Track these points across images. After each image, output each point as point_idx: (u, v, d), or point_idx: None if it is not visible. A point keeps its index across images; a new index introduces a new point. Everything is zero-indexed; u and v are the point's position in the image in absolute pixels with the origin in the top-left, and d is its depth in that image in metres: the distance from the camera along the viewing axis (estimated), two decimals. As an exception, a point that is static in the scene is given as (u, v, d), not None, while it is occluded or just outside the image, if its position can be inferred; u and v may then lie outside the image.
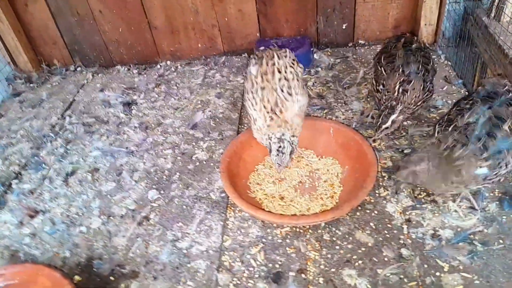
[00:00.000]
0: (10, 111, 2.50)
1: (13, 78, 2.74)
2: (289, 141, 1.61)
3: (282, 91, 1.63)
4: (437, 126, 1.54)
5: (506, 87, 1.58)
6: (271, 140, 1.61)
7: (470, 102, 1.54)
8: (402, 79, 1.78)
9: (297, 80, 1.69)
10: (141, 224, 1.66)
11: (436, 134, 1.51)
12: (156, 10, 2.57)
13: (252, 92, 1.66)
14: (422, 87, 1.78)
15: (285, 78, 1.66)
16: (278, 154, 1.60)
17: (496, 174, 1.42)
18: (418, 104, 1.80)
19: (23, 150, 2.15)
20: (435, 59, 2.40)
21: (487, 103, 1.49)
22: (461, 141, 1.40)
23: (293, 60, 1.76)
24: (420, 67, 1.81)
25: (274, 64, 1.68)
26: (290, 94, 1.63)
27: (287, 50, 1.78)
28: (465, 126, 1.44)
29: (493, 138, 1.39)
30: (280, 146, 1.59)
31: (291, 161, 1.71)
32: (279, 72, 1.66)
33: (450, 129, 1.47)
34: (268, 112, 1.61)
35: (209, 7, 2.54)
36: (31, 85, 2.71)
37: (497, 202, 1.55)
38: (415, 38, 2.17)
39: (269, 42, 2.56)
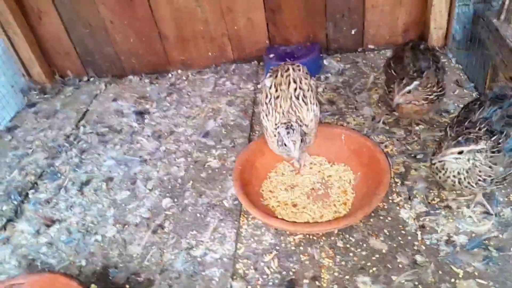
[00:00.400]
0: (26, 122, 2.55)
1: (28, 89, 2.79)
2: (297, 124, 1.58)
3: (298, 98, 1.65)
4: (448, 128, 1.54)
5: None
6: (279, 131, 1.58)
7: (479, 103, 1.54)
8: (414, 70, 1.78)
9: (311, 91, 1.70)
10: (155, 232, 1.68)
11: (448, 137, 1.50)
12: (166, 20, 2.61)
13: (266, 103, 1.68)
14: (436, 79, 1.78)
15: (300, 88, 1.67)
16: (289, 132, 1.56)
17: (510, 173, 1.41)
18: (433, 95, 1.77)
19: (38, 160, 2.19)
20: (446, 63, 2.39)
21: (496, 104, 1.49)
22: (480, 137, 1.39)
23: (307, 73, 1.78)
24: (431, 62, 1.82)
25: (289, 75, 1.70)
26: (305, 103, 1.64)
27: (301, 65, 1.81)
28: (482, 120, 1.44)
29: (507, 136, 1.39)
30: (287, 126, 1.57)
31: (306, 158, 1.71)
32: (294, 82, 1.68)
33: (466, 124, 1.46)
34: (282, 117, 1.63)
35: (219, 17, 2.57)
36: (45, 96, 2.76)
37: (512, 207, 1.54)
38: (423, 42, 2.16)
39: (279, 49, 2.58)
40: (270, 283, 1.42)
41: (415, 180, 1.71)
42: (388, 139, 1.94)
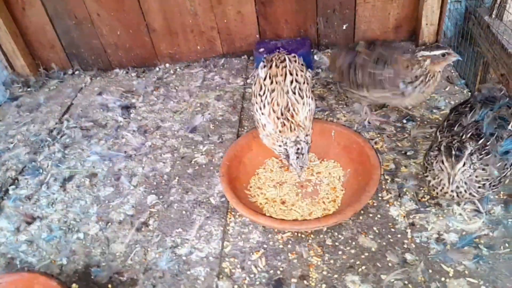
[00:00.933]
0: (8, 115, 2.47)
1: (11, 82, 2.71)
2: (304, 141, 1.58)
3: (294, 93, 1.60)
4: (438, 132, 1.52)
5: (503, 92, 1.56)
6: (286, 146, 1.58)
7: (469, 105, 1.52)
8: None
9: (307, 84, 1.66)
10: (139, 230, 1.64)
11: (438, 140, 1.47)
12: (154, 13, 2.54)
13: (260, 95, 1.63)
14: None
15: (297, 81, 1.63)
16: (298, 157, 1.57)
17: (504, 175, 1.39)
18: None
19: (20, 155, 2.12)
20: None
21: (487, 106, 1.47)
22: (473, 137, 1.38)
23: (302, 65, 1.74)
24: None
25: (285, 66, 1.65)
26: (301, 97, 1.60)
27: (296, 55, 1.76)
28: (473, 124, 1.42)
29: (500, 139, 1.37)
30: (298, 149, 1.57)
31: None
32: (291, 74, 1.63)
33: (455, 128, 1.44)
34: (278, 118, 1.57)
35: (208, 9, 2.51)
36: (29, 89, 2.68)
37: (503, 205, 1.52)
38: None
39: (269, 43, 2.54)
40: (257, 283, 1.39)
41: (405, 177, 1.68)
42: (379, 135, 1.91)
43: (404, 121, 1.97)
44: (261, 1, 2.48)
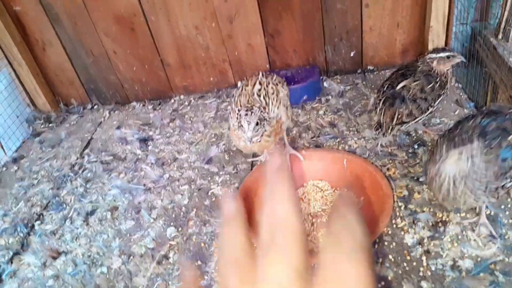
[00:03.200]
0: (31, 151, 2.58)
1: (33, 119, 2.83)
2: (258, 110, 1.61)
3: (259, 95, 1.71)
4: (439, 139, 1.54)
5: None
6: (240, 113, 1.60)
7: (471, 116, 1.55)
8: None
9: (277, 96, 1.75)
10: (160, 263, 1.69)
11: (439, 146, 1.49)
12: (168, 49, 2.65)
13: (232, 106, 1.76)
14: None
15: (265, 89, 1.74)
16: (247, 114, 1.58)
17: (503, 186, 1.41)
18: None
19: (44, 191, 2.21)
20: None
21: (491, 116, 1.50)
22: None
23: (279, 82, 1.84)
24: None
25: (258, 79, 1.79)
26: (266, 102, 1.70)
27: (275, 74, 1.89)
28: (475, 127, 1.45)
29: (499, 146, 1.39)
30: (247, 114, 1.58)
31: (262, 137, 1.66)
32: (260, 84, 1.76)
33: (457, 131, 1.47)
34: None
35: (219, 43, 2.61)
36: (50, 125, 2.80)
37: (517, 230, 1.53)
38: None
39: (279, 73, 2.61)
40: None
41: (419, 204, 1.71)
42: (391, 161, 1.94)
43: (415, 146, 2.00)
44: (269, 33, 2.57)
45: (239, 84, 1.90)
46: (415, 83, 1.88)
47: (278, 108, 1.73)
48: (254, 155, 2.18)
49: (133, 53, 2.69)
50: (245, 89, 1.77)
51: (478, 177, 1.38)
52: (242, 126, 1.59)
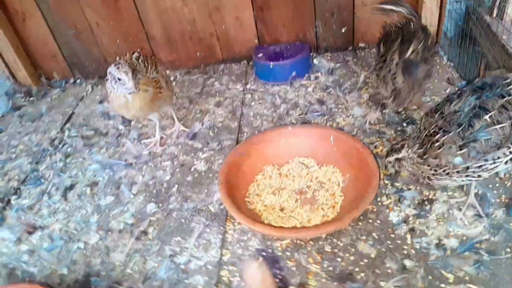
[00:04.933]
0: (10, 125, 2.50)
1: (13, 92, 2.74)
2: (124, 61, 1.78)
3: (137, 59, 1.90)
4: (424, 116, 1.51)
5: (509, 80, 1.50)
6: (109, 71, 1.74)
7: (459, 93, 1.50)
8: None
9: (155, 65, 1.96)
10: (139, 239, 1.64)
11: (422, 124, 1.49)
12: (152, 21, 2.56)
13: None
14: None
15: (143, 57, 1.95)
16: (118, 68, 1.71)
17: (480, 166, 1.37)
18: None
19: (22, 165, 2.14)
20: (437, 60, 2.36)
21: (476, 93, 1.45)
22: (444, 128, 1.39)
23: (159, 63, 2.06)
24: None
25: (136, 50, 1.99)
26: (145, 66, 1.89)
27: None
28: (451, 114, 1.41)
29: (470, 127, 1.35)
30: (118, 68, 1.71)
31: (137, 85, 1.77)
32: (139, 53, 1.97)
33: (436, 116, 1.44)
34: None
35: (206, 16, 2.52)
36: (31, 99, 2.71)
37: (504, 209, 1.49)
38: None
39: (268, 48, 2.54)
40: (256, 291, 1.38)
41: (405, 182, 1.66)
42: (378, 139, 1.90)
43: (404, 124, 1.95)
44: (259, 6, 2.48)
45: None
46: (421, 44, 1.83)
47: (157, 73, 1.91)
48: (240, 131, 2.12)
49: (116, 25, 2.59)
50: (122, 58, 1.89)
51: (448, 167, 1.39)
52: (120, 79, 1.72)
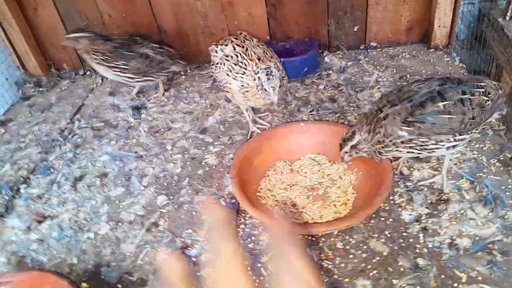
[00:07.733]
0: (20, 115, 2.49)
1: (23, 82, 2.73)
2: (276, 68, 1.72)
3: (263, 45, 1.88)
4: (380, 97, 1.56)
5: (482, 84, 1.48)
6: (258, 73, 1.71)
7: (429, 78, 1.54)
8: None
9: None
10: (149, 230, 1.64)
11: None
12: (165, 14, 2.55)
13: (233, 65, 1.81)
14: None
15: (258, 41, 1.92)
16: (269, 78, 1.68)
17: (422, 143, 1.43)
18: None
19: (31, 155, 2.14)
20: (449, 62, 2.36)
21: (442, 81, 1.47)
22: (393, 102, 1.45)
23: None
24: None
25: (245, 36, 1.95)
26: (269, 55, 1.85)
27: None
28: (408, 92, 1.46)
29: (422, 107, 1.39)
30: (268, 73, 1.69)
31: (280, 94, 1.78)
32: (252, 40, 1.92)
33: (392, 93, 1.51)
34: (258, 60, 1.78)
35: (219, 11, 2.51)
36: (41, 89, 2.71)
37: (518, 210, 1.49)
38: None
39: (277, 45, 2.54)
40: (267, 285, 1.38)
41: (418, 181, 1.66)
42: (390, 138, 1.89)
43: (416, 124, 1.94)
44: (271, 2, 2.48)
45: (220, 52, 1.93)
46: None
47: (272, 58, 1.86)
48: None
49: (128, 17, 2.59)
50: (243, 45, 1.84)
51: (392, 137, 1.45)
52: (266, 91, 1.70)
